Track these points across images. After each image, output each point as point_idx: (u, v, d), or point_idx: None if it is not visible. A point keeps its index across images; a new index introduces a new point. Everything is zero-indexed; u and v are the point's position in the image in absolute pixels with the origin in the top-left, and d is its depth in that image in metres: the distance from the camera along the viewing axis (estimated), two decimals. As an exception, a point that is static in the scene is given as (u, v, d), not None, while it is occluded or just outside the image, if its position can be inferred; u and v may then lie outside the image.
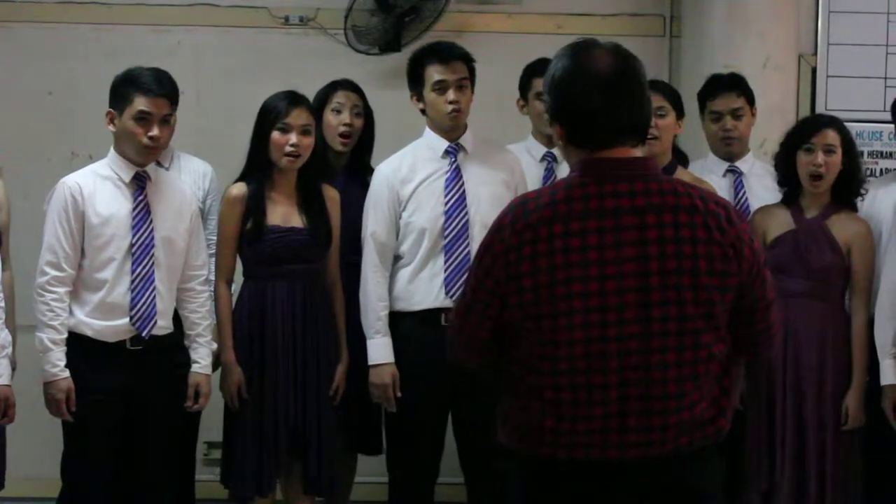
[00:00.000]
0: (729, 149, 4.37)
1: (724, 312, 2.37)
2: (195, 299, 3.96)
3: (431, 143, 4.09)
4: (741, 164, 4.36)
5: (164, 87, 3.78)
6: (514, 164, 4.18)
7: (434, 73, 3.99)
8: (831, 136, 4.03)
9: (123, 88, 3.77)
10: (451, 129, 4.06)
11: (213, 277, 4.05)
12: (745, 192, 4.30)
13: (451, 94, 3.99)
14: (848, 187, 4.08)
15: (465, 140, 4.08)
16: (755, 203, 4.24)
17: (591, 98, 2.39)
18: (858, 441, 4.02)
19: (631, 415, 2.35)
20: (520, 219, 2.39)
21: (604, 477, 2.39)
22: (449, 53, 4.03)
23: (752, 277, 2.39)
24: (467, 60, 4.05)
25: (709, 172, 4.27)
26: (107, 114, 3.81)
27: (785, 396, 4.00)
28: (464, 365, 2.61)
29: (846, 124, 4.16)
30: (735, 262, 2.36)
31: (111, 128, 3.82)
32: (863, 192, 4.15)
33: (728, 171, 4.35)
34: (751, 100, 4.39)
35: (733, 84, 4.39)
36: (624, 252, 2.33)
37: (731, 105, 4.34)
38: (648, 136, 4.02)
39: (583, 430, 2.37)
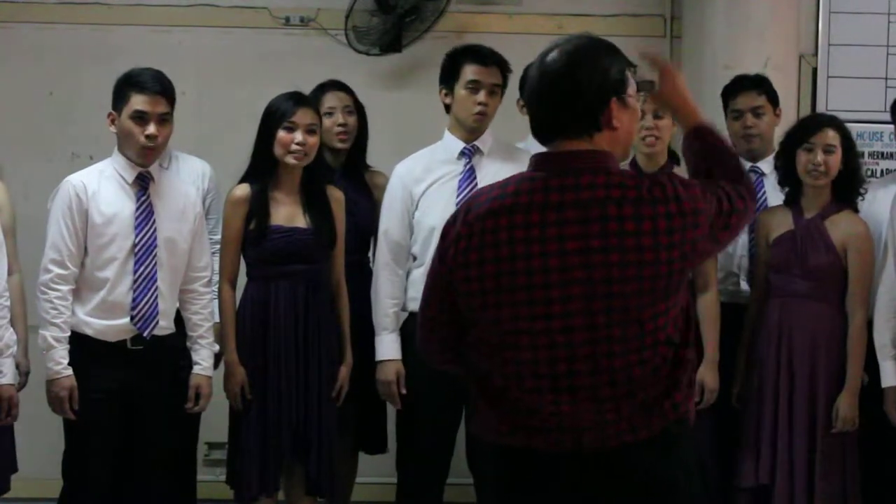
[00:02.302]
0: (750, 146, 4.36)
1: (671, 295, 2.38)
2: (198, 301, 3.96)
3: (448, 145, 4.11)
4: (763, 165, 4.35)
5: (159, 85, 3.79)
6: None
7: (470, 73, 4.02)
8: (831, 136, 4.03)
9: (122, 89, 3.80)
10: (473, 130, 4.07)
11: (216, 278, 4.06)
12: (764, 193, 4.28)
13: (482, 96, 4.02)
14: (848, 187, 4.08)
15: (483, 142, 4.10)
16: (775, 203, 4.23)
17: (529, 98, 2.52)
18: (850, 442, 4.00)
19: (581, 402, 2.37)
20: (472, 210, 2.46)
21: (563, 467, 2.40)
22: (489, 57, 4.06)
23: (712, 238, 2.42)
24: (504, 68, 4.09)
25: None
26: (108, 115, 3.84)
27: (778, 396, 4.00)
28: (427, 350, 2.66)
29: (847, 125, 4.16)
30: (688, 237, 2.36)
31: (112, 129, 3.83)
32: (862, 191, 4.15)
33: (750, 170, 4.34)
34: (773, 100, 4.39)
35: (756, 83, 4.40)
36: (567, 245, 2.36)
37: (752, 103, 4.35)
38: (651, 136, 4.09)
39: (534, 423, 2.39)
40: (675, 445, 2.44)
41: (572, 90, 2.42)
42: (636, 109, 2.53)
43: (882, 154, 5.24)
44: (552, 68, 2.44)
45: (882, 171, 5.17)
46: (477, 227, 2.43)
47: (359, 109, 4.42)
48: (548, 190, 2.40)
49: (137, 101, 3.75)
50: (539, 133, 2.50)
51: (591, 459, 2.39)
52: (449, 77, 4.06)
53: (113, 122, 3.82)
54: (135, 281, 3.79)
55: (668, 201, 2.36)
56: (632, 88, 2.49)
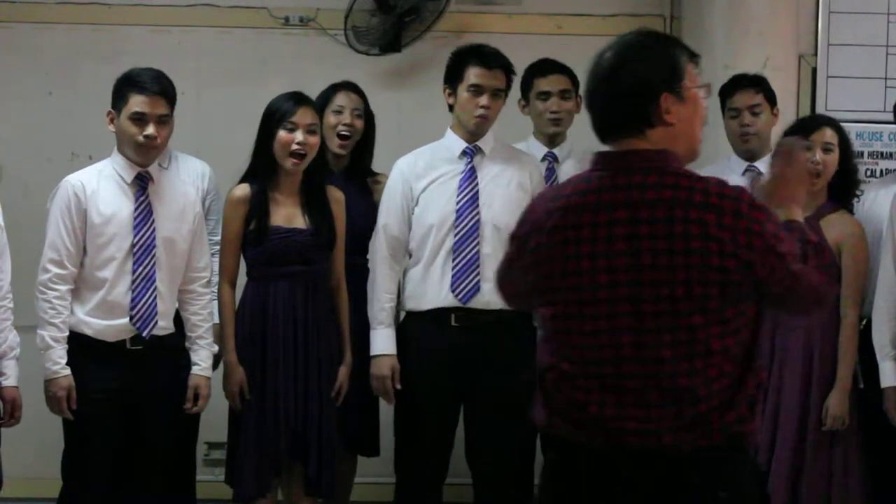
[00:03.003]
0: (747, 146, 4.36)
1: (728, 306, 2.33)
2: (197, 301, 3.97)
3: (450, 144, 4.11)
4: (760, 164, 4.34)
5: (159, 86, 3.79)
6: (532, 168, 4.19)
7: (473, 75, 4.00)
8: (829, 135, 4.04)
9: (121, 89, 3.80)
10: (474, 132, 4.07)
11: (216, 279, 4.06)
12: None
13: (484, 100, 4.01)
14: (843, 187, 4.09)
15: (485, 143, 4.10)
16: None
17: (584, 98, 2.51)
18: (850, 442, 3.99)
19: (628, 406, 2.34)
20: (536, 209, 2.50)
21: (603, 466, 2.38)
22: (494, 60, 4.04)
23: (767, 267, 2.33)
24: (508, 72, 4.07)
25: (730, 172, 4.24)
26: (107, 114, 3.84)
27: (766, 396, 3.99)
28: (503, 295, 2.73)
29: (846, 125, 4.16)
30: (739, 255, 2.30)
31: (111, 128, 3.84)
32: (859, 192, 4.15)
33: (747, 170, 4.34)
34: (771, 99, 4.39)
35: (754, 82, 4.40)
36: (615, 247, 2.34)
37: (749, 101, 4.35)
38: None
39: (585, 418, 2.38)
40: (723, 467, 2.36)
41: (618, 86, 2.40)
42: (699, 104, 2.45)
43: (882, 154, 5.24)
44: (601, 67, 2.44)
45: (882, 171, 5.17)
46: (546, 224, 2.43)
47: (367, 115, 4.41)
48: (600, 190, 2.39)
49: (136, 102, 3.75)
50: (597, 132, 2.48)
51: (630, 464, 2.36)
52: (453, 77, 4.06)
53: (112, 121, 3.83)
54: (133, 281, 3.79)
55: (724, 213, 2.30)
56: (691, 81, 2.42)
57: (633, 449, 2.35)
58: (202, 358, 3.97)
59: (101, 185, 3.81)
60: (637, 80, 2.39)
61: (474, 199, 4.03)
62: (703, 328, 2.31)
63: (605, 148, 2.47)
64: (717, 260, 2.30)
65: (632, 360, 2.33)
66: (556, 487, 2.49)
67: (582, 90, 2.55)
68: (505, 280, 2.64)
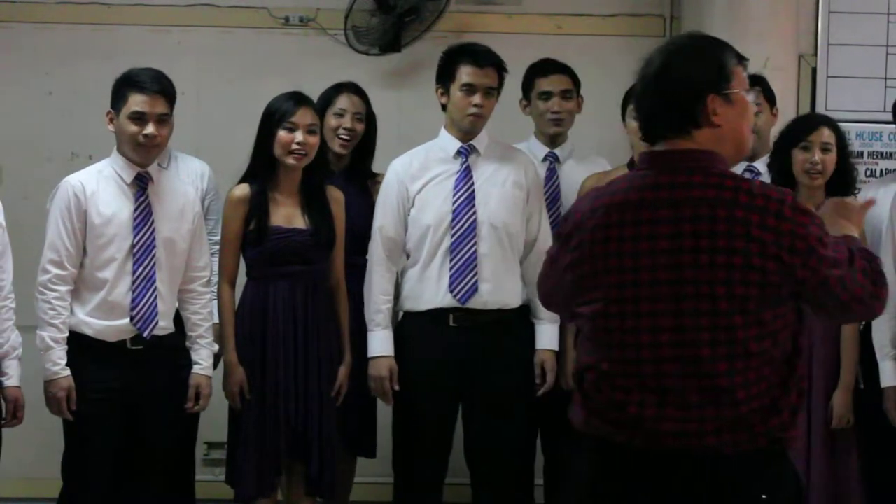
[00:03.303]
0: None
1: (766, 308, 2.33)
2: (197, 301, 3.97)
3: (444, 144, 4.10)
4: (759, 164, 4.34)
5: (158, 85, 3.79)
6: (528, 165, 4.18)
7: (465, 74, 4.00)
8: (827, 134, 4.04)
9: (120, 88, 3.80)
10: (468, 131, 4.07)
11: (215, 278, 4.06)
12: None
13: (477, 98, 4.00)
14: (842, 185, 4.08)
15: (479, 141, 4.09)
16: None
17: (633, 101, 2.57)
18: (848, 441, 4.00)
19: (668, 406, 2.34)
20: (580, 209, 2.51)
21: (642, 467, 2.38)
22: (485, 58, 4.03)
23: (808, 269, 2.32)
24: (500, 69, 4.06)
25: None
26: (107, 114, 3.84)
27: None
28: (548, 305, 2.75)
29: (846, 125, 4.16)
30: (782, 257, 2.30)
31: (111, 128, 3.84)
32: (855, 192, 4.15)
33: (746, 169, 4.34)
34: (770, 99, 4.38)
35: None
36: (658, 244, 2.35)
37: None
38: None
39: (623, 419, 2.38)
40: (765, 470, 2.37)
41: (665, 87, 2.42)
42: (746, 106, 2.45)
43: (881, 154, 5.24)
44: (649, 68, 2.45)
45: (881, 170, 5.17)
46: (588, 223, 2.44)
47: (369, 116, 4.41)
48: (644, 188, 2.40)
49: (136, 102, 3.75)
50: (644, 133, 2.49)
51: (669, 465, 2.36)
52: (445, 77, 4.05)
53: (111, 120, 3.83)
54: (134, 281, 3.78)
55: (768, 213, 2.31)
56: (739, 84, 2.43)
57: (673, 450, 2.35)
58: (203, 357, 3.97)
59: (101, 185, 3.81)
60: (684, 80, 2.41)
61: (471, 199, 4.02)
62: (742, 328, 2.32)
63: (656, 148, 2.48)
64: (758, 261, 2.30)
65: (671, 359, 2.34)
66: (595, 489, 2.48)
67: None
68: (546, 279, 2.62)
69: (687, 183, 2.36)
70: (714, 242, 2.31)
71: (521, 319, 4.08)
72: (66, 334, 3.73)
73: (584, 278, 2.44)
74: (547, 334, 4.07)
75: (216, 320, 4.06)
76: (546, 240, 4.10)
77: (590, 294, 2.44)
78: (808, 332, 3.97)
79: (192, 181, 4.37)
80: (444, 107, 4.09)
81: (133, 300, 3.78)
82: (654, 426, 2.35)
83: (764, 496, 2.35)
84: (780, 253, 2.30)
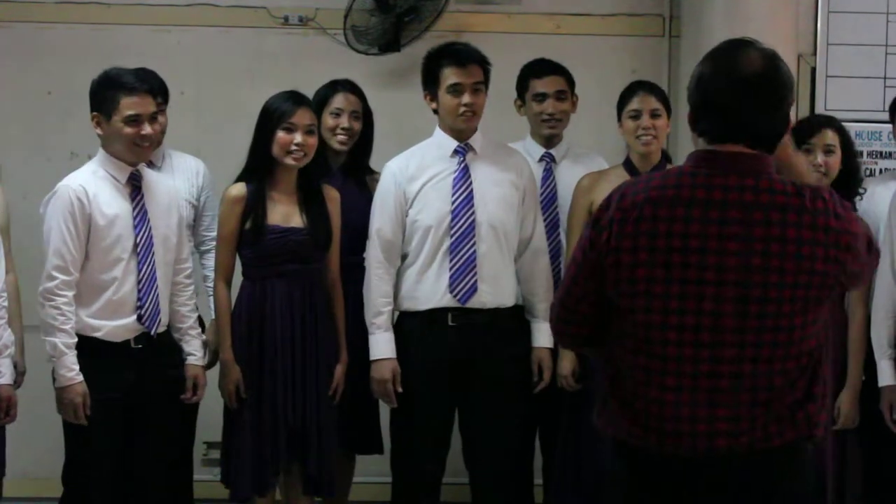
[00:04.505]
0: None
1: (819, 306, 2.40)
2: (183, 292, 3.97)
3: (441, 143, 4.09)
4: None
5: (146, 84, 3.79)
6: (523, 165, 4.18)
7: (450, 76, 3.99)
8: (830, 136, 4.04)
9: (107, 91, 3.75)
10: (463, 130, 4.06)
11: (209, 273, 4.06)
12: None
13: (466, 98, 3.99)
14: (846, 187, 4.08)
15: (475, 140, 4.09)
16: None
17: (728, 94, 2.43)
18: (849, 440, 4.00)
19: (718, 406, 2.37)
20: (627, 196, 2.44)
21: (693, 472, 2.40)
22: (466, 56, 4.02)
23: (858, 264, 2.42)
24: (483, 63, 4.05)
25: None
26: (93, 117, 3.79)
27: None
28: (561, 339, 2.69)
29: (846, 124, 4.16)
30: (839, 257, 2.38)
31: (98, 131, 3.80)
32: (861, 191, 4.15)
33: None
34: None
35: None
36: (727, 245, 2.36)
37: None
38: (648, 135, 4.11)
39: (668, 427, 2.40)
40: (805, 459, 2.45)
41: (780, 95, 2.44)
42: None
43: (881, 154, 5.24)
44: (755, 71, 2.42)
45: (881, 170, 5.16)
46: (633, 213, 2.41)
47: (366, 114, 4.40)
48: (710, 187, 2.39)
49: (128, 105, 3.72)
50: (722, 133, 2.44)
51: (721, 465, 2.39)
52: (430, 82, 4.04)
53: (98, 124, 3.78)
54: (139, 280, 3.78)
55: (829, 215, 2.38)
56: None
57: (720, 450, 2.38)
58: (195, 348, 3.97)
59: (100, 186, 3.78)
60: (788, 85, 2.45)
61: (469, 199, 4.02)
62: (800, 329, 2.38)
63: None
64: (821, 265, 2.37)
65: (729, 360, 2.36)
66: (637, 492, 2.48)
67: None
68: (573, 286, 2.53)
69: (755, 187, 2.39)
70: (785, 247, 2.35)
71: (516, 318, 4.09)
72: (76, 339, 3.70)
73: (624, 269, 2.40)
74: (543, 332, 4.07)
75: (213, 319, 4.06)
76: (540, 238, 4.10)
77: (631, 286, 2.40)
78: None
79: (188, 178, 4.37)
80: (435, 111, 4.08)
81: (139, 298, 3.77)
82: (706, 428, 2.38)
83: (793, 485, 2.43)
84: (838, 254, 2.38)
